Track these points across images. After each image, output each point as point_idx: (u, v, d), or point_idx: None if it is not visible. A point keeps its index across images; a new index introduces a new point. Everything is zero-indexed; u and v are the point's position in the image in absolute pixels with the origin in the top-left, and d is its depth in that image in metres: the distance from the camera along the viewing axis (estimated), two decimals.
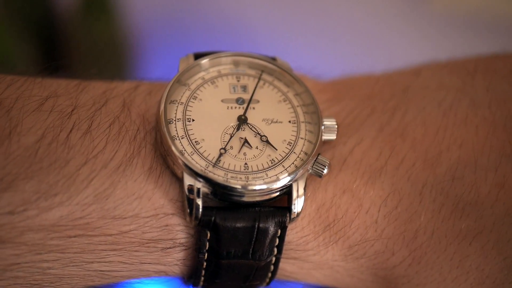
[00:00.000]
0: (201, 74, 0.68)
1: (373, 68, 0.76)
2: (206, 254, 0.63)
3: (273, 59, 0.70)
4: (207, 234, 0.61)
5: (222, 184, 0.60)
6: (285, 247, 0.64)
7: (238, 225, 0.61)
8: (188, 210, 0.60)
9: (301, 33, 1.55)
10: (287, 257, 0.66)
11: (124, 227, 0.60)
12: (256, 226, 0.61)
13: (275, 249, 0.63)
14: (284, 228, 0.62)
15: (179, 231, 0.62)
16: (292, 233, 0.64)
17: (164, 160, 0.62)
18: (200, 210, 0.60)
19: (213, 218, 0.60)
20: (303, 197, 0.62)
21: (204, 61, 0.68)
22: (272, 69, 0.69)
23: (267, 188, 0.61)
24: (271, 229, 0.61)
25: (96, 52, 1.43)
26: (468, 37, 1.48)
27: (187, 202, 0.60)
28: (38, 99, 0.62)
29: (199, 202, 0.60)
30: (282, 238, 0.63)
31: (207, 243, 0.62)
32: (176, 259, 0.64)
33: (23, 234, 0.58)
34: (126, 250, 0.62)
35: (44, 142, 0.59)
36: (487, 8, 1.51)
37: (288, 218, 0.62)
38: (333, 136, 0.65)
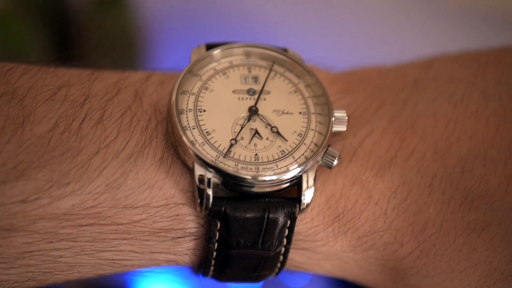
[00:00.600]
0: (213, 64, 0.68)
1: (384, 59, 0.76)
2: (216, 244, 0.63)
3: (284, 50, 0.70)
4: (217, 224, 0.62)
5: (232, 175, 0.61)
6: (294, 237, 0.64)
7: (248, 215, 0.61)
8: (199, 200, 0.60)
9: (312, 24, 1.55)
10: (296, 248, 0.66)
11: (135, 216, 0.61)
12: (266, 216, 0.61)
13: (285, 240, 0.64)
14: (293, 219, 0.62)
15: (189, 221, 0.63)
16: (302, 224, 0.64)
17: (175, 150, 0.62)
18: (211, 200, 0.60)
19: (223, 208, 0.61)
20: (313, 188, 0.62)
21: (216, 52, 0.68)
22: (283, 60, 0.69)
23: (277, 179, 0.61)
24: (281, 219, 0.62)
25: (108, 43, 1.43)
26: (479, 28, 1.48)
27: (197, 192, 0.60)
28: (51, 89, 0.63)
29: (210, 192, 0.60)
30: (291, 228, 0.63)
31: (217, 233, 0.62)
32: (186, 248, 0.65)
33: (35, 223, 0.58)
34: (136, 239, 0.62)
35: (57, 131, 0.60)
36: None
37: (297, 209, 0.62)
38: (343, 128, 0.65)
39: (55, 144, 0.59)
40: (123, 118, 0.63)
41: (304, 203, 0.62)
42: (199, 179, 0.60)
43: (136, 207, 0.61)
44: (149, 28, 1.53)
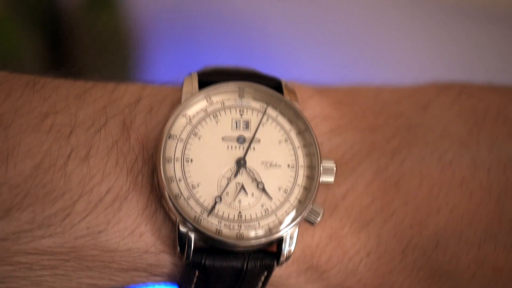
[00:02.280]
0: (204, 104, 0.66)
1: (381, 67, 0.73)
2: (193, 286, 0.65)
3: (278, 84, 0.68)
4: (195, 273, 0.63)
5: (215, 238, 0.61)
6: None
7: (227, 268, 0.63)
8: (179, 250, 0.62)
9: (307, 30, 1.54)
10: (269, 285, 0.68)
11: (116, 257, 0.62)
12: (245, 269, 0.63)
13: (260, 284, 0.66)
14: (271, 271, 0.64)
15: (168, 265, 0.64)
16: (276, 269, 0.66)
17: (159, 200, 0.63)
18: (191, 253, 0.62)
19: (203, 261, 0.62)
20: (293, 245, 0.63)
21: (209, 91, 0.66)
22: (278, 100, 0.66)
23: (259, 243, 0.62)
24: (259, 271, 0.63)
25: (100, 46, 1.41)
26: (476, 30, 1.48)
27: (178, 245, 0.61)
28: (37, 116, 0.61)
29: (191, 246, 0.61)
30: (267, 277, 0.65)
31: (195, 279, 0.64)
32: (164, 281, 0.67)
33: (16, 256, 0.60)
34: (118, 270, 0.64)
35: (41, 169, 0.59)
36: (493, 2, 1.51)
37: (276, 263, 0.64)
38: (331, 179, 0.65)
39: (39, 183, 0.59)
40: (109, 156, 0.62)
41: (283, 260, 0.64)
42: (180, 236, 0.61)
43: (116, 251, 0.62)
44: (141, 30, 1.50)
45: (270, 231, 0.63)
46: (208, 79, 0.67)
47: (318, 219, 0.64)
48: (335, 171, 0.65)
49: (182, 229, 0.61)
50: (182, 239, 0.61)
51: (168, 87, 0.69)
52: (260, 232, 0.63)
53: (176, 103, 0.66)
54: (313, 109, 0.69)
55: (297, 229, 0.63)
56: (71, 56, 1.41)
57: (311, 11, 1.52)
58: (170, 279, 0.66)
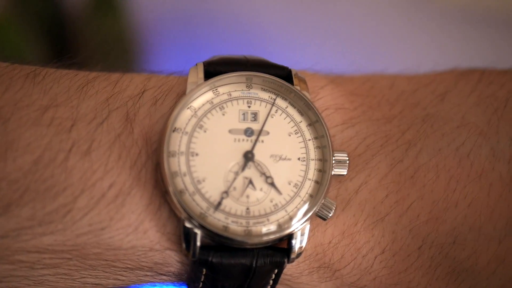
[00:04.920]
0: (210, 96, 0.63)
1: (390, 62, 0.72)
2: (200, 284, 0.63)
3: (289, 72, 0.65)
4: (202, 271, 0.61)
5: (222, 235, 0.59)
6: None
7: (235, 264, 0.60)
8: (185, 247, 0.60)
9: (312, 27, 1.53)
10: (280, 283, 0.66)
11: (120, 255, 0.61)
12: (254, 266, 0.61)
13: (271, 282, 0.64)
14: (281, 268, 0.62)
15: (175, 264, 0.62)
16: (287, 267, 0.64)
17: (163, 195, 0.61)
18: (198, 250, 0.60)
19: (210, 258, 0.60)
20: (305, 241, 0.61)
21: (214, 81, 0.63)
22: (288, 91, 0.64)
23: (268, 239, 0.60)
24: (269, 269, 0.61)
25: (104, 48, 1.41)
26: (481, 28, 1.47)
27: (184, 240, 0.59)
28: (37, 109, 0.59)
29: (197, 243, 0.59)
30: (278, 275, 0.63)
31: (202, 277, 0.62)
32: (171, 281, 0.65)
33: (17, 254, 0.58)
34: (123, 269, 0.62)
35: (41, 163, 0.58)
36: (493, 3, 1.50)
37: (286, 260, 0.61)
38: (344, 172, 0.63)
39: (39, 178, 0.57)
40: (111, 150, 0.60)
41: (293, 257, 0.61)
42: (186, 232, 0.59)
43: (120, 249, 0.60)
44: (145, 33, 1.51)
45: (280, 227, 0.61)
46: (215, 69, 0.64)
47: (330, 214, 0.61)
48: (348, 164, 0.63)
49: (188, 225, 0.59)
50: (188, 236, 0.59)
51: (174, 77, 0.67)
52: (270, 228, 0.61)
53: (182, 94, 0.64)
54: (324, 100, 0.67)
55: (308, 225, 0.61)
56: (75, 57, 1.40)
57: (326, 2, 1.52)
58: (177, 278, 0.64)
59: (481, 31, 1.42)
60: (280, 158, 0.63)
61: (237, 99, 0.64)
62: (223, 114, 0.63)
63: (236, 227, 0.60)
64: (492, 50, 1.36)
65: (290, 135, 0.64)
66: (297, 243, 0.61)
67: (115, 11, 1.41)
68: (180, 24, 1.51)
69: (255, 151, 0.62)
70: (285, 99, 0.65)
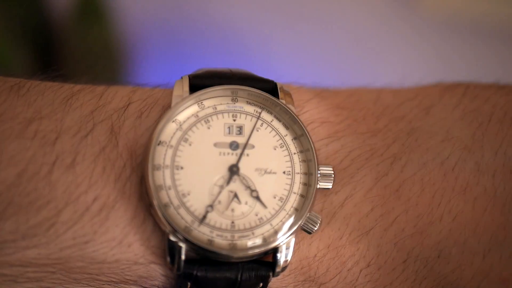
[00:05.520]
0: (195, 109, 0.63)
1: (377, 73, 0.72)
2: None
3: (274, 86, 0.65)
4: (187, 284, 0.61)
5: (206, 248, 0.59)
6: None
7: (220, 279, 0.60)
8: (169, 260, 0.59)
9: (293, 37, 1.53)
10: None
11: (104, 269, 0.60)
12: (239, 280, 0.60)
13: None
14: (266, 282, 0.62)
15: (159, 277, 0.62)
16: (273, 280, 0.63)
17: (148, 209, 0.60)
18: (182, 264, 0.59)
19: (195, 272, 0.60)
20: (290, 255, 0.61)
21: (200, 95, 0.63)
22: (273, 104, 0.64)
23: (253, 253, 0.60)
24: (254, 282, 0.61)
25: (90, 57, 1.41)
26: (469, 40, 1.48)
27: (169, 255, 0.59)
28: (21, 121, 0.59)
29: (182, 256, 0.59)
30: None
31: None
32: None
33: (0, 267, 0.58)
34: (107, 282, 0.62)
35: (25, 176, 0.57)
36: (486, 14, 1.51)
37: (271, 274, 0.61)
38: (329, 185, 0.63)
39: (22, 191, 0.57)
40: (96, 163, 0.59)
41: (278, 270, 0.61)
42: (170, 246, 0.59)
43: (104, 263, 0.60)
44: (131, 42, 1.51)
45: (265, 240, 0.61)
46: (200, 82, 0.64)
47: (316, 228, 0.61)
48: (333, 178, 0.63)
49: (172, 239, 0.59)
50: (172, 250, 0.59)
51: (159, 90, 0.66)
52: (255, 241, 0.61)
53: (167, 107, 0.64)
54: (310, 113, 0.67)
55: (293, 239, 0.61)
56: (60, 66, 1.40)
57: (309, 15, 1.52)
58: None
59: (467, 44, 1.43)
60: (265, 172, 0.62)
61: (222, 113, 0.64)
62: (208, 128, 0.63)
63: (221, 241, 0.60)
64: (479, 63, 1.37)
65: (275, 149, 0.64)
66: (282, 257, 0.61)
67: (100, 21, 1.41)
68: (166, 35, 1.51)
69: (240, 165, 0.62)
70: (271, 113, 0.65)
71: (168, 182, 0.60)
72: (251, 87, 0.64)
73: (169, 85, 0.67)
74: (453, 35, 1.47)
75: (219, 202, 0.61)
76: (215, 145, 0.62)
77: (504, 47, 1.46)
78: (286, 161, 0.63)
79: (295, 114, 0.64)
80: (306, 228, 0.61)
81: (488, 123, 0.67)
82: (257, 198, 0.62)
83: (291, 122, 0.64)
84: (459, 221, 0.63)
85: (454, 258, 0.63)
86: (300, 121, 0.64)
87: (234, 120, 0.64)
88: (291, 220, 0.61)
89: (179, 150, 0.62)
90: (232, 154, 0.63)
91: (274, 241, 0.60)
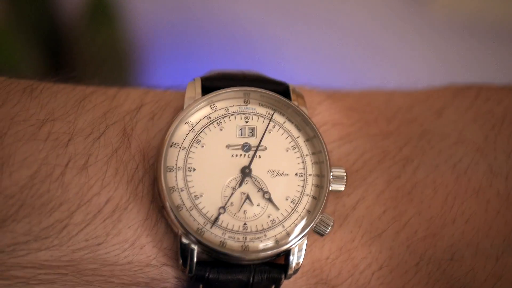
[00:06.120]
0: (208, 111, 0.63)
1: (386, 74, 0.72)
2: None
3: (286, 89, 0.65)
4: (199, 286, 0.61)
5: (219, 250, 0.59)
6: None
7: (232, 281, 0.60)
8: (182, 262, 0.59)
9: (302, 38, 1.53)
10: None
11: (116, 271, 0.60)
12: (251, 282, 0.60)
13: None
14: (278, 284, 0.62)
15: (171, 279, 0.62)
16: (285, 283, 0.63)
17: (160, 210, 0.60)
18: (194, 266, 0.59)
19: (207, 274, 0.60)
20: (302, 257, 0.61)
21: (212, 97, 0.63)
22: (285, 106, 0.64)
23: (266, 255, 0.60)
24: (266, 284, 0.61)
25: (100, 58, 1.41)
26: (470, 42, 1.48)
27: (180, 256, 0.59)
28: (34, 123, 0.59)
29: (194, 258, 0.59)
30: None
31: None
32: None
33: (12, 269, 0.58)
34: (120, 285, 0.62)
35: (38, 178, 0.57)
36: (491, 14, 1.50)
37: (283, 276, 0.61)
38: (341, 187, 0.62)
39: (35, 194, 0.57)
40: (108, 165, 0.60)
41: (291, 273, 0.61)
42: (183, 248, 0.59)
43: (116, 265, 0.60)
44: (141, 43, 1.51)
45: (277, 242, 0.61)
46: (212, 84, 0.64)
47: (328, 230, 0.61)
48: (345, 180, 0.62)
49: (185, 241, 0.59)
50: (185, 252, 0.59)
51: (171, 92, 0.67)
52: (267, 244, 0.61)
53: (179, 109, 0.64)
54: (322, 115, 0.67)
55: (305, 241, 0.61)
56: (71, 68, 1.41)
57: (320, 16, 1.52)
58: None
59: (479, 45, 1.42)
60: (278, 174, 0.62)
61: (234, 114, 0.64)
62: (221, 129, 0.63)
63: (233, 243, 0.60)
64: (491, 65, 1.36)
65: (287, 151, 0.63)
66: (294, 259, 0.61)
67: (111, 23, 1.41)
68: (176, 36, 1.51)
69: (253, 166, 0.62)
70: (283, 115, 0.65)
71: (181, 183, 0.60)
72: (263, 89, 0.64)
73: (180, 87, 0.67)
74: (465, 36, 1.47)
75: (232, 204, 0.61)
76: (228, 146, 0.63)
77: None
78: (298, 163, 0.63)
79: (307, 116, 0.64)
80: (318, 230, 0.61)
81: (501, 125, 0.67)
82: (270, 199, 0.62)
83: (303, 124, 0.64)
84: (472, 224, 0.63)
85: (467, 261, 0.62)
86: (313, 122, 0.63)
87: (247, 122, 0.64)
88: (303, 222, 0.61)
89: (191, 152, 0.62)
90: (244, 156, 0.63)
91: (286, 243, 0.60)
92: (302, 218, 0.61)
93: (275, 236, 0.61)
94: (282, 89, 0.65)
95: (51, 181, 0.58)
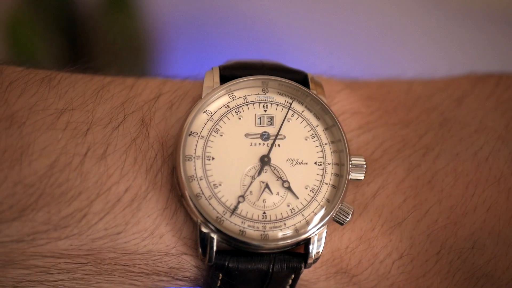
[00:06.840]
0: (226, 100, 0.63)
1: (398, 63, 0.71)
2: None
3: (305, 77, 0.65)
4: (219, 276, 0.61)
5: (238, 239, 0.59)
6: None
7: (252, 270, 0.60)
8: (201, 252, 0.59)
9: (322, 26, 1.53)
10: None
11: (135, 260, 0.60)
12: (270, 271, 0.60)
13: (287, 287, 0.63)
14: (298, 273, 0.62)
15: (191, 268, 0.62)
16: (304, 272, 0.63)
17: (179, 199, 0.60)
18: (214, 255, 0.59)
19: (226, 263, 0.60)
20: (322, 247, 0.61)
21: (230, 85, 0.63)
22: (304, 95, 0.64)
23: (285, 244, 0.60)
24: (285, 274, 0.61)
25: (118, 48, 1.42)
26: (490, 30, 1.46)
27: (200, 245, 0.59)
28: (53, 113, 0.59)
29: (213, 247, 0.59)
30: (295, 280, 0.62)
31: (219, 282, 0.62)
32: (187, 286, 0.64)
33: (32, 258, 0.58)
34: (139, 274, 0.62)
35: (57, 167, 0.57)
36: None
37: (303, 265, 0.61)
38: (361, 176, 0.62)
39: (54, 183, 0.57)
40: (127, 154, 0.60)
41: (310, 262, 0.61)
42: (202, 237, 0.59)
43: (136, 254, 0.60)
44: (159, 33, 1.51)
45: (296, 231, 0.60)
46: (230, 73, 0.64)
47: (348, 219, 0.61)
48: (365, 169, 0.62)
49: (204, 230, 0.59)
50: (204, 241, 0.59)
51: (190, 81, 0.67)
52: (286, 232, 0.61)
53: (197, 98, 0.64)
54: (341, 104, 0.67)
55: (325, 230, 0.61)
56: (89, 58, 1.41)
57: (339, 5, 1.51)
58: (193, 283, 0.64)
59: (499, 34, 1.41)
60: (297, 162, 0.62)
61: (253, 103, 0.64)
62: (239, 118, 0.63)
63: (252, 232, 0.60)
64: (511, 52, 1.35)
65: (306, 139, 0.63)
66: (314, 248, 0.61)
67: (129, 9, 1.41)
68: (194, 25, 1.51)
69: (272, 155, 0.62)
70: (302, 103, 0.64)
71: (200, 172, 0.60)
72: (281, 77, 0.64)
73: (198, 76, 0.67)
74: (484, 24, 1.45)
75: (251, 192, 0.61)
76: (246, 135, 0.63)
77: None
78: (318, 152, 0.63)
79: (326, 105, 0.63)
80: (338, 219, 0.61)
81: None
82: (289, 188, 0.61)
83: (322, 113, 0.64)
84: (494, 212, 0.62)
85: (488, 249, 0.62)
86: (332, 111, 0.63)
87: (265, 111, 0.64)
88: (323, 211, 0.61)
89: (210, 141, 0.62)
90: (263, 144, 0.62)
91: (305, 232, 0.60)
92: (322, 207, 0.61)
93: (294, 225, 0.61)
94: (301, 78, 0.65)
95: (70, 170, 0.58)
